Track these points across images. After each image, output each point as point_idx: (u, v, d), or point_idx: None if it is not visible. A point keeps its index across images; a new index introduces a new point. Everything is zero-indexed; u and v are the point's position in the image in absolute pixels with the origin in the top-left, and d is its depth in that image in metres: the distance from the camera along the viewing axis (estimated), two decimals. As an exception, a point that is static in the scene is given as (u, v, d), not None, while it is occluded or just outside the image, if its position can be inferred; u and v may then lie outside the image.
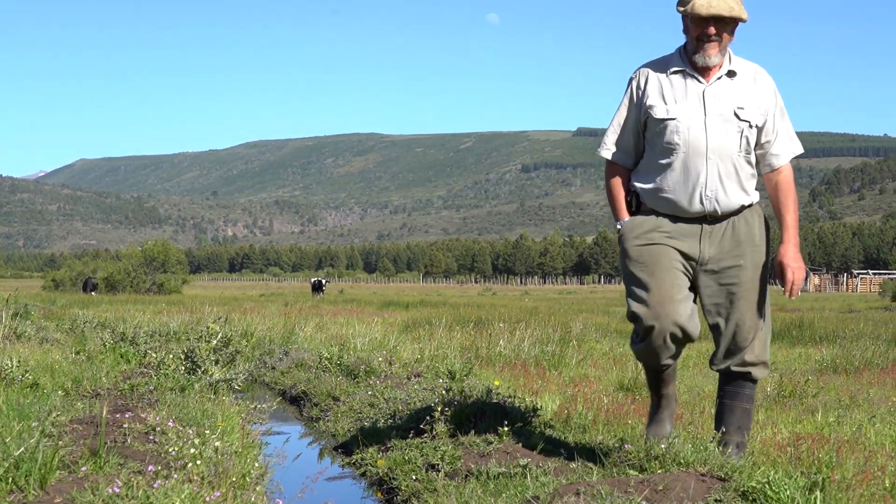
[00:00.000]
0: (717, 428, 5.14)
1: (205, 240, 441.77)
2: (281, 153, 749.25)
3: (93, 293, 47.77)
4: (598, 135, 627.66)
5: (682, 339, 4.90)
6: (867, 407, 7.84)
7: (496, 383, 8.18)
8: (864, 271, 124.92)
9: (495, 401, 6.93)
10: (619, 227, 5.12)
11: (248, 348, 12.70)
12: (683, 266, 4.96)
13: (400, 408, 7.46)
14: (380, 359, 10.22)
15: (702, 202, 4.89)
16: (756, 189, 5.10)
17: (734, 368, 5.06)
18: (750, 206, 5.04)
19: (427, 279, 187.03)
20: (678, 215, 4.97)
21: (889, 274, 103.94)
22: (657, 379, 5.20)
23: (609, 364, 11.44)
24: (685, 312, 4.86)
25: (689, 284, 4.96)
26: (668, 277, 4.88)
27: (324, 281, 56.60)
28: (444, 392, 7.43)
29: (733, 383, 5.11)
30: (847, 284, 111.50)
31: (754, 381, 5.13)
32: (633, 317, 4.95)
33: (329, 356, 10.63)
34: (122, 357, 11.19)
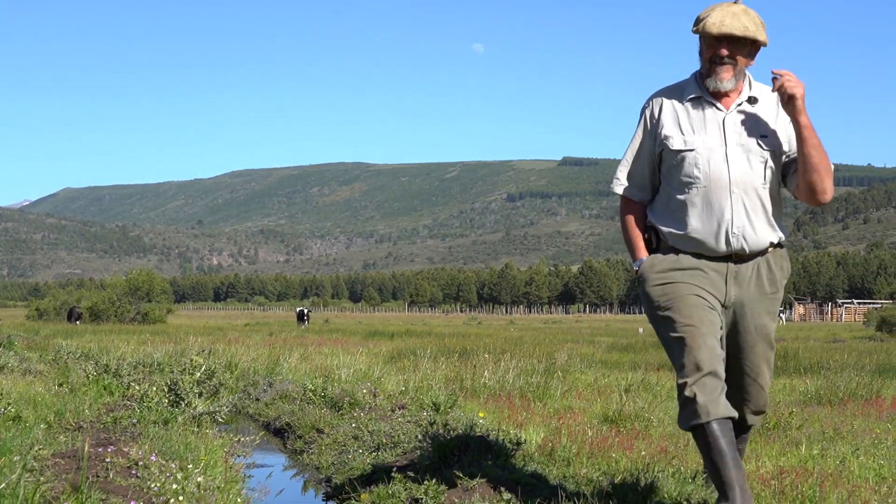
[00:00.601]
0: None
1: (189, 269, 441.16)
2: (266, 182, 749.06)
3: (77, 322, 47.58)
4: (583, 164, 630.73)
5: (720, 377, 4.34)
6: (851, 439, 7.84)
7: (481, 415, 8.17)
8: (849, 300, 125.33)
9: (479, 433, 6.92)
10: (636, 267, 4.70)
11: (232, 380, 12.66)
12: (709, 302, 4.49)
13: (384, 441, 7.45)
14: (364, 391, 10.20)
15: (728, 241, 4.47)
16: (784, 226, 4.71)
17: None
18: (778, 245, 4.64)
19: (412, 308, 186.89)
20: (703, 254, 4.54)
21: (873, 303, 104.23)
22: (717, 449, 4.30)
23: (594, 395, 11.43)
24: (717, 347, 4.39)
25: (717, 319, 4.47)
26: (696, 313, 4.41)
27: (306, 311, 56.59)
28: (427, 425, 7.42)
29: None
30: (832, 314, 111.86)
31: (749, 428, 4.90)
32: (679, 383, 4.38)
33: (313, 388, 10.60)
34: (105, 389, 11.13)
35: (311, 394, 10.49)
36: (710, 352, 4.33)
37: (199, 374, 10.34)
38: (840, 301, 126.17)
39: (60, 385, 11.17)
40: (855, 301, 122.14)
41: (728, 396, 4.46)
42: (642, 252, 4.69)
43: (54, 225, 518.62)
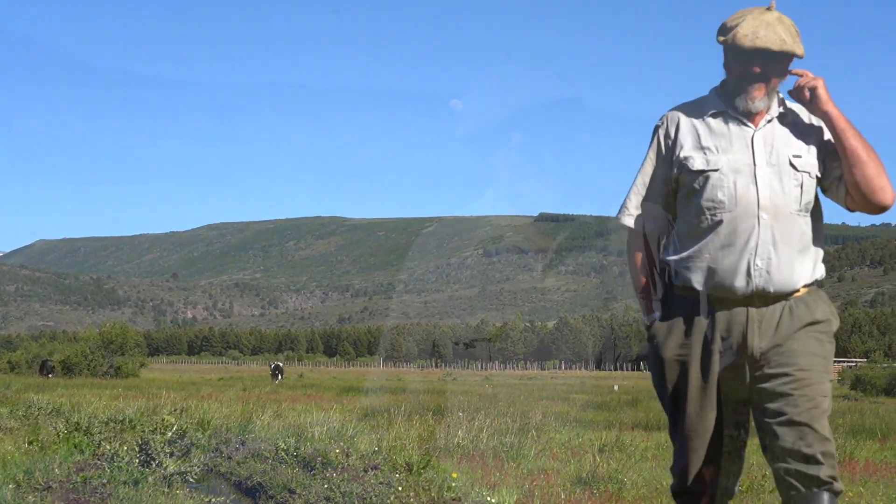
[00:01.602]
0: None
1: (164, 322, 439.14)
2: (242, 236, 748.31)
3: (49, 376, 47.28)
4: (559, 220, 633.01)
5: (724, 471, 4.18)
6: (824, 503, 7.83)
7: (454, 476, 8.15)
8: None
9: (452, 496, 6.90)
10: (647, 322, 4.14)
11: (204, 438, 12.58)
12: (730, 384, 4.02)
13: (356, 503, 7.41)
14: (337, 450, 10.15)
15: (749, 274, 3.86)
16: (822, 264, 4.08)
17: (802, 469, 3.93)
18: (812, 285, 4.02)
19: (388, 363, 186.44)
20: (719, 295, 3.94)
21: (848, 362, 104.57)
22: None
23: (567, 455, 11.41)
24: (722, 459, 4.12)
25: (730, 420, 4.13)
26: (706, 410, 3.97)
27: (273, 365, 56.57)
28: (399, 487, 7.38)
29: (803, 496, 3.94)
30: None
31: (837, 492, 3.95)
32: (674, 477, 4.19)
33: (286, 447, 10.55)
34: (75, 447, 11.03)
35: (283, 453, 10.43)
36: (706, 445, 4.05)
37: (170, 434, 10.28)
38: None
39: (30, 443, 11.08)
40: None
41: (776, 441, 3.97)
42: (654, 306, 4.15)
43: (28, 276, 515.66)
